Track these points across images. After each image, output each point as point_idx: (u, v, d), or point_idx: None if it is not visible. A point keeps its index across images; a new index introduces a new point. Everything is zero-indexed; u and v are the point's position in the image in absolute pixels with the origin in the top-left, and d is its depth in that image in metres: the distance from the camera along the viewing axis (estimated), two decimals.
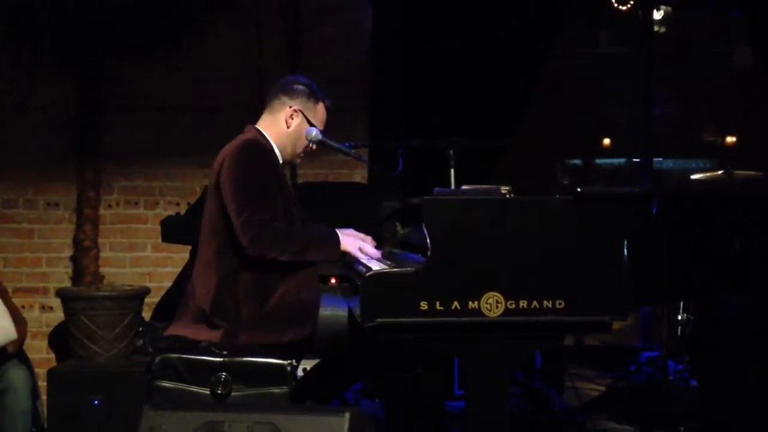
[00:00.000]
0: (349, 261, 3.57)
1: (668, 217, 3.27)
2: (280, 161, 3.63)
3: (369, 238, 3.60)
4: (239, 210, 3.39)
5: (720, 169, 5.71)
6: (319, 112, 3.69)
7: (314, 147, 3.72)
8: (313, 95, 3.67)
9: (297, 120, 3.63)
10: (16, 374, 4.58)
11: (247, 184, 3.43)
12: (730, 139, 12.40)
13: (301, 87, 3.66)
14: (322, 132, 3.70)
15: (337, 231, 3.54)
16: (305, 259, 3.46)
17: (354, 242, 3.52)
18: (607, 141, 13.68)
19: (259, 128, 3.63)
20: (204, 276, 3.49)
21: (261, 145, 3.55)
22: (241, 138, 3.58)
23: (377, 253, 3.55)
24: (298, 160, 3.83)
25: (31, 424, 4.62)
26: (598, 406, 5.51)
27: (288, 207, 3.54)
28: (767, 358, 4.31)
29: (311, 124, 3.64)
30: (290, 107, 3.63)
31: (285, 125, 3.62)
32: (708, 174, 5.91)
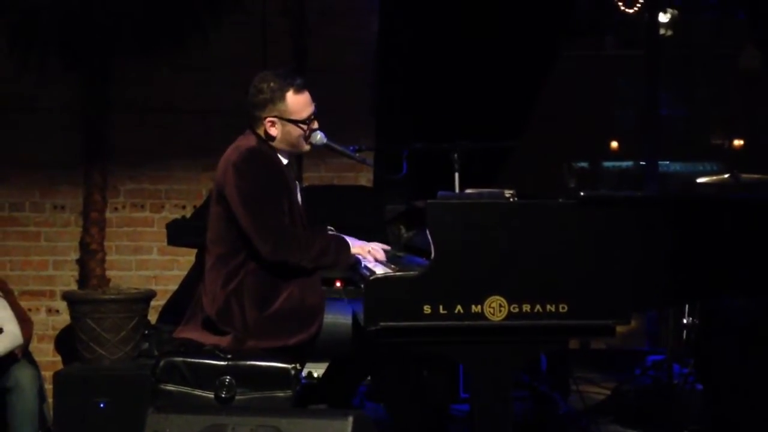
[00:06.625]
0: (353, 264, 3.58)
1: (674, 221, 3.26)
2: (284, 162, 3.56)
3: (378, 246, 3.64)
4: (254, 219, 3.37)
5: (727, 173, 5.70)
6: (291, 103, 3.48)
7: (316, 127, 3.58)
8: (277, 92, 3.47)
9: (278, 127, 3.51)
10: (24, 373, 4.60)
11: (256, 193, 3.40)
12: (738, 142, 12.38)
13: (261, 95, 3.48)
14: (327, 136, 3.68)
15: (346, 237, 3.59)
16: (322, 264, 3.47)
17: (363, 246, 3.59)
18: (614, 144, 13.67)
19: (258, 133, 3.54)
20: (209, 282, 3.48)
21: (262, 153, 3.49)
22: (243, 144, 3.51)
23: (384, 258, 3.57)
24: (307, 148, 3.63)
25: (38, 425, 4.63)
26: (604, 409, 5.49)
27: (293, 212, 3.51)
28: None
29: (292, 122, 3.49)
30: (263, 118, 3.50)
31: (271, 136, 3.52)
32: (715, 177, 5.90)
